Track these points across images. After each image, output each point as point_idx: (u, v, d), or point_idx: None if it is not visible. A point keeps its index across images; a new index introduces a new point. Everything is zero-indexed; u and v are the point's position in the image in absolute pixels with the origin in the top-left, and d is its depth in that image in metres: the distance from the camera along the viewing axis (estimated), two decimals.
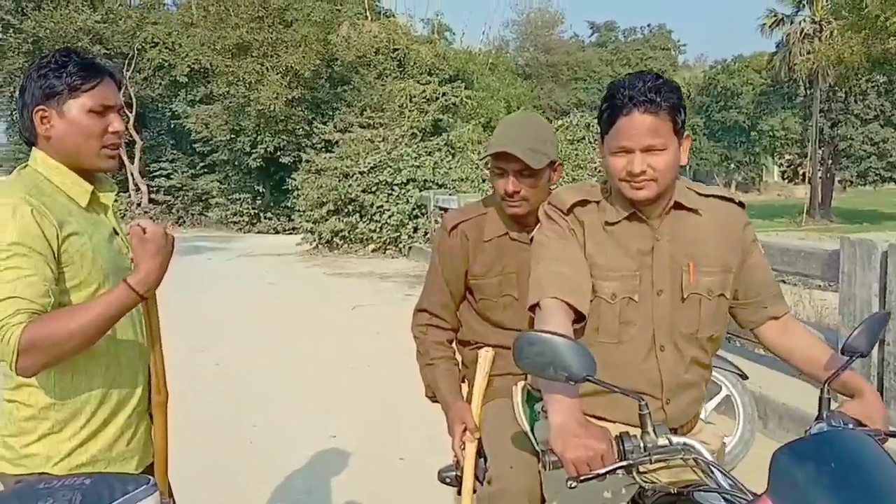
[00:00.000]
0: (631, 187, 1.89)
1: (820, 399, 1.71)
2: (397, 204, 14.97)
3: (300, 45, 22.32)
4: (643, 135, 1.84)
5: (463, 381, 2.58)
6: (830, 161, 42.86)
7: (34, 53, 24.15)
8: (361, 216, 15.29)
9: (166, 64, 25.81)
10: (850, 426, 1.69)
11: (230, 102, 22.75)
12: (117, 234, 2.05)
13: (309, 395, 6.07)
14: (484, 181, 14.36)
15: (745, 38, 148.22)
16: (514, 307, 2.44)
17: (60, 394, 1.90)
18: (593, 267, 1.92)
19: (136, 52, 25.54)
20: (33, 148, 1.97)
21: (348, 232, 15.32)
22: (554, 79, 50.74)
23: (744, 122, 51.29)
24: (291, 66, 22.22)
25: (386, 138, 16.46)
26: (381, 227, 15.05)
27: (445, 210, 13.84)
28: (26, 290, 1.74)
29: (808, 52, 37.04)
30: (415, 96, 19.08)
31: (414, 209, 14.90)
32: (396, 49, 23.18)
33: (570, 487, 1.57)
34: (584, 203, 1.97)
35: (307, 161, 18.80)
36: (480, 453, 2.40)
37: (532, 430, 2.23)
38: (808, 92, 41.75)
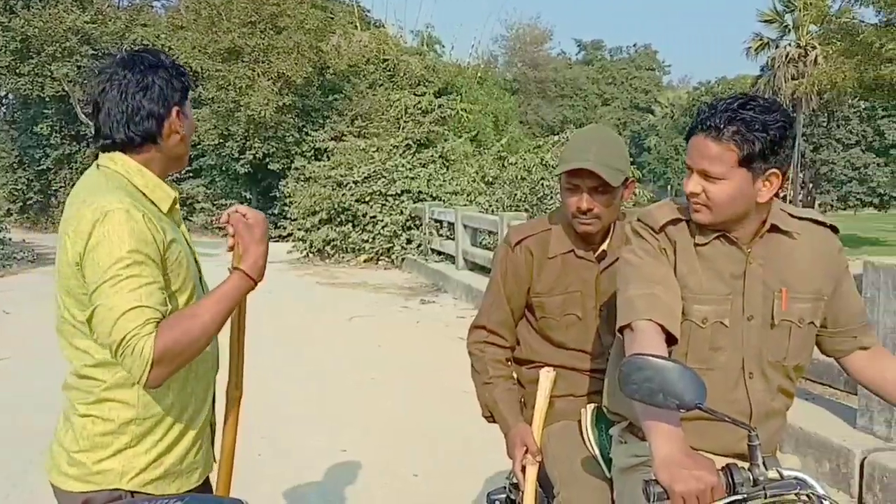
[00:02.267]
0: (691, 207, 1.86)
1: None
2: (391, 215, 14.88)
3: (292, 52, 22.19)
4: (700, 158, 1.82)
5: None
6: (812, 185, 43.33)
7: (22, 52, 23.85)
8: (354, 226, 15.18)
9: None
10: None
11: (219, 107, 22.54)
12: (185, 238, 1.98)
13: (314, 408, 5.96)
14: (480, 194, 14.31)
15: (729, 61, 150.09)
16: (577, 327, 2.37)
17: (143, 407, 1.83)
18: (684, 289, 1.86)
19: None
20: (109, 152, 1.88)
21: (340, 241, 15.21)
22: (541, 95, 50.96)
23: None
24: (283, 73, 22.07)
25: (380, 148, 16.37)
26: (374, 238, 14.95)
27: (440, 222, 13.79)
28: (149, 298, 1.69)
29: (793, 77, 37.52)
30: (410, 107, 19.02)
31: (408, 220, 14.82)
32: (386, 59, 23.12)
33: None
34: (676, 222, 1.91)
35: (297, 169, 18.65)
36: (539, 477, 2.32)
37: (601, 454, 2.16)
38: (792, 116, 42.18)
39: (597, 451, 2.18)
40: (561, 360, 2.39)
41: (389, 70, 22.96)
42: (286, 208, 17.36)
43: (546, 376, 2.35)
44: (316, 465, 4.72)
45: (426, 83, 22.30)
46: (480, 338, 2.49)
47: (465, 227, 12.25)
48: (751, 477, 1.57)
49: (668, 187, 52.72)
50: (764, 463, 1.59)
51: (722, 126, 1.78)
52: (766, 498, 1.56)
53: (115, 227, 1.70)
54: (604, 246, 2.36)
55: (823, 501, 1.58)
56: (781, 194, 1.99)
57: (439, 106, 19.32)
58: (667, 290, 1.83)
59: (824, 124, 43.76)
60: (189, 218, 26.20)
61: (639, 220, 1.94)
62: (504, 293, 2.43)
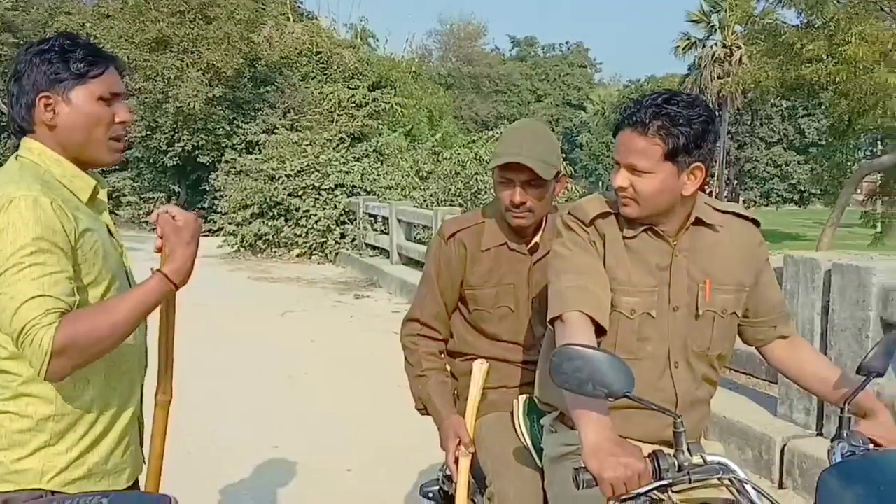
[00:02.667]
0: (619, 201, 1.90)
1: (840, 419, 1.72)
2: (324, 209, 14.75)
3: (222, 43, 21.79)
4: (627, 153, 1.86)
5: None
6: (736, 181, 44.64)
7: None
8: (287, 220, 15.00)
9: None
10: (869, 446, 1.70)
11: (146, 98, 21.98)
12: (110, 231, 1.93)
13: (246, 404, 5.88)
14: (415, 189, 14.30)
15: (659, 60, 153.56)
16: (510, 319, 2.40)
17: (62, 403, 1.76)
18: (613, 281, 1.90)
19: None
20: (25, 139, 1.83)
21: (273, 236, 15.01)
22: (475, 90, 51.19)
23: None
24: (213, 64, 21.66)
25: (313, 142, 16.18)
26: (307, 232, 14.80)
27: (374, 217, 13.75)
28: (53, 287, 1.63)
29: (719, 76, 38.56)
30: (344, 101, 18.84)
31: (341, 215, 14.72)
32: (320, 52, 22.88)
33: None
34: (605, 215, 1.94)
35: (227, 161, 18.34)
36: (472, 469, 2.34)
37: (533, 444, 2.19)
38: (717, 114, 43.37)
39: (528, 442, 2.21)
40: (494, 353, 2.41)
41: (323, 63, 22.72)
42: (216, 202, 17.05)
43: (479, 368, 2.38)
44: (247, 461, 4.66)
45: (360, 76, 22.15)
46: (414, 331, 2.49)
47: (399, 221, 12.25)
48: (676, 463, 1.61)
49: (600, 183, 53.59)
50: (689, 449, 1.64)
51: (647, 121, 1.82)
52: (690, 482, 1.61)
53: (20, 215, 1.64)
54: (536, 239, 2.40)
55: (745, 485, 1.63)
56: (707, 190, 2.05)
57: (374, 100, 19.20)
58: (596, 282, 1.86)
59: (748, 122, 45.09)
60: (115, 211, 25.42)
61: (569, 213, 1.97)
62: (438, 286, 2.44)
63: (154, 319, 1.93)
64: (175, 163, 22.99)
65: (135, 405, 1.96)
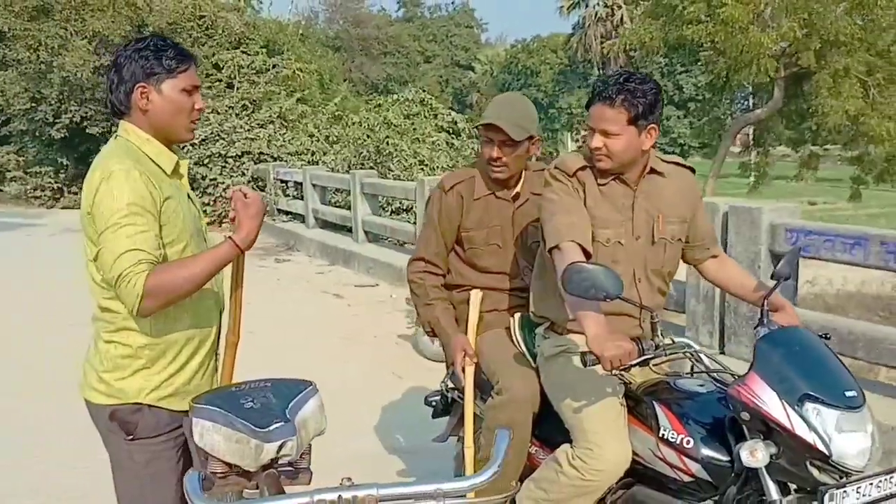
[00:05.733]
0: (595, 158, 2.48)
1: (761, 311, 2.37)
2: (232, 177, 14.81)
3: (108, 10, 21.15)
4: (599, 120, 2.44)
5: None
6: None
7: None
8: (194, 189, 14.85)
9: None
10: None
11: (27, 69, 21.20)
12: (190, 198, 2.35)
13: None
14: (325, 154, 14.55)
15: (544, 19, 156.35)
16: (499, 254, 2.97)
17: (154, 335, 2.21)
18: (593, 219, 2.48)
19: None
20: (121, 121, 2.24)
21: None
22: (364, 52, 51.04)
23: (543, 99, 53.93)
24: (99, 31, 21.03)
25: (215, 110, 16.12)
26: (215, 201, 14.84)
27: (285, 182, 13.99)
28: (144, 243, 2.06)
29: (602, 35, 40.07)
30: (244, 67, 18.73)
31: (250, 182, 14.81)
32: (203, 16, 22.45)
33: (612, 374, 2.13)
34: (584, 168, 2.52)
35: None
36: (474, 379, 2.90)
37: (528, 350, 2.78)
38: (602, 72, 45.00)
39: (524, 349, 2.80)
40: (486, 283, 2.98)
41: (208, 27, 22.35)
42: None
43: (476, 296, 2.94)
44: None
45: (247, 41, 21.94)
46: (419, 268, 3.04)
47: (314, 186, 12.55)
48: (654, 344, 2.23)
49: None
50: (662, 333, 2.26)
51: (614, 96, 2.40)
52: (666, 355, 2.24)
53: (116, 184, 2.07)
54: (517, 189, 2.97)
55: (701, 355, 2.28)
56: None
57: (274, 66, 19.17)
58: (581, 219, 2.45)
59: None
60: (0, 188, 24.47)
61: (556, 167, 2.55)
62: (439, 229, 2.98)
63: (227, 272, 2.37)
64: (63, 135, 22.17)
65: (212, 340, 2.40)
